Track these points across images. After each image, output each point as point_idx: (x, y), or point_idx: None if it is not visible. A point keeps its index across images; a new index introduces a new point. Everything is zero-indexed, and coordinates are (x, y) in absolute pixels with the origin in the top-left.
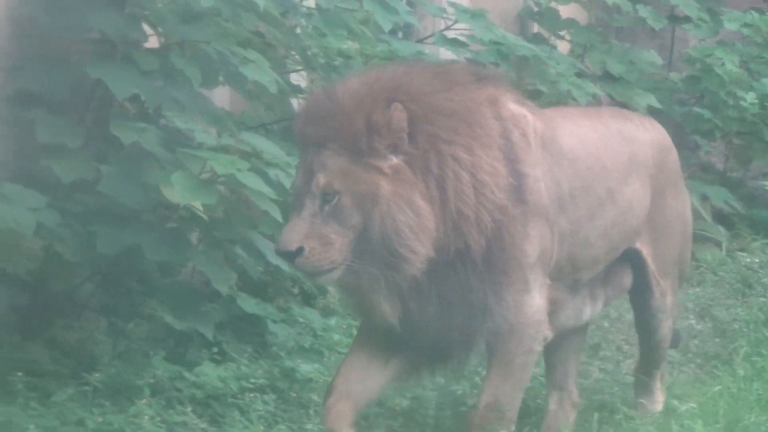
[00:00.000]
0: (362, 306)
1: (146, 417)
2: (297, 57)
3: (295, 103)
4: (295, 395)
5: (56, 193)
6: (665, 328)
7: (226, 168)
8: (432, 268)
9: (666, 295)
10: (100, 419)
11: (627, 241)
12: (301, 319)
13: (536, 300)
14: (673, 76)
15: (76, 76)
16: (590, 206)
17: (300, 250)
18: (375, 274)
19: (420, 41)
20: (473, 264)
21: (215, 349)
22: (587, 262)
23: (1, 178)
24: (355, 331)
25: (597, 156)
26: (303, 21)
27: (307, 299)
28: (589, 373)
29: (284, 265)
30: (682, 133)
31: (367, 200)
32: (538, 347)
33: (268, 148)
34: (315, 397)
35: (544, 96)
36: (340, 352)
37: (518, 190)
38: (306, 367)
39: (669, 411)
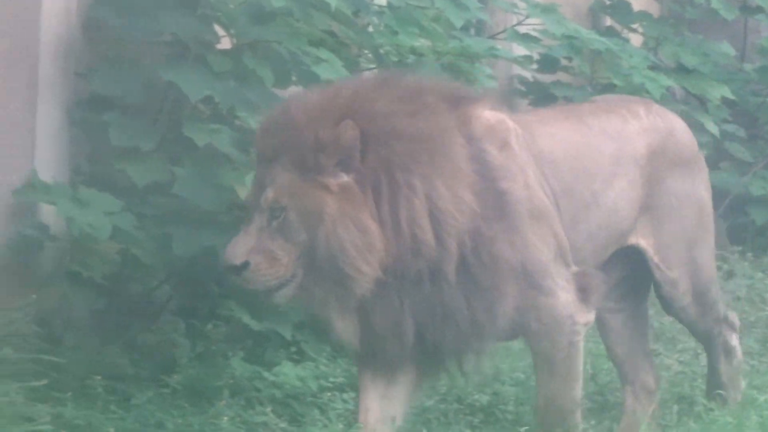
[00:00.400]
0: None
1: (226, 418)
2: (369, 55)
3: None
4: None
5: (131, 197)
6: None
7: None
8: (402, 287)
9: (678, 285)
10: (179, 421)
11: (617, 242)
12: None
13: (561, 298)
14: (747, 67)
15: (149, 78)
16: (574, 211)
17: (245, 265)
18: (325, 292)
19: (492, 37)
20: (448, 283)
21: (293, 349)
22: (575, 264)
23: (77, 182)
24: None
25: (578, 158)
26: (375, 19)
27: None
28: (668, 366)
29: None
30: (756, 123)
31: (313, 217)
32: (578, 337)
33: None
34: None
35: (618, 89)
36: None
37: (498, 207)
38: None
39: (748, 402)
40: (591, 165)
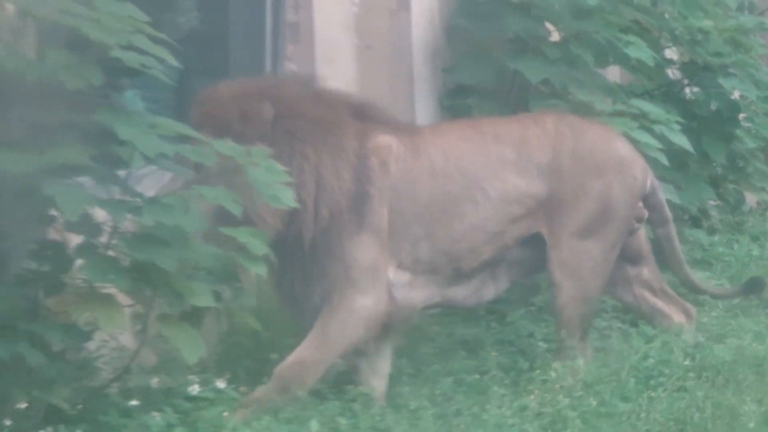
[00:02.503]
0: None
1: None
2: (667, 36)
3: (670, 72)
4: (692, 298)
5: None
6: (566, 293)
7: (621, 128)
8: (284, 244)
9: (564, 268)
10: (545, 330)
11: (517, 227)
12: (690, 238)
13: (361, 301)
14: None
15: (499, 69)
16: (454, 209)
17: None
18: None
19: (760, 14)
20: (302, 252)
21: None
22: (463, 254)
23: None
24: None
25: (462, 162)
26: (669, 7)
27: (696, 222)
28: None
29: None
30: None
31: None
32: (356, 339)
33: (652, 109)
34: (708, 298)
35: None
36: (725, 260)
37: (360, 205)
38: (699, 275)
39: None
40: (477, 167)
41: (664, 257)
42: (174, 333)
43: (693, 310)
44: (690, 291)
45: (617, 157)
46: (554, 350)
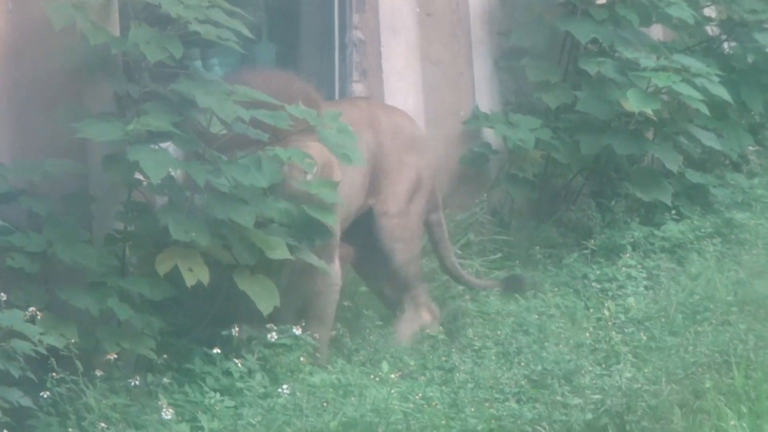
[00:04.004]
0: None
1: (630, 266)
2: None
3: (709, 29)
4: (734, 237)
5: (547, 116)
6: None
7: (664, 81)
8: None
9: (394, 231)
10: (598, 272)
11: (357, 203)
12: (732, 182)
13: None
14: None
15: (551, 31)
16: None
17: None
18: None
19: None
20: None
21: (674, 212)
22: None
23: (507, 110)
24: None
25: None
26: None
27: (737, 167)
28: None
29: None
30: None
31: None
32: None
33: (693, 64)
34: (748, 237)
35: None
36: (764, 202)
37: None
38: (740, 216)
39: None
40: None
41: (432, 243)
42: (249, 285)
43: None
44: (452, 279)
45: (419, 135)
46: (398, 312)
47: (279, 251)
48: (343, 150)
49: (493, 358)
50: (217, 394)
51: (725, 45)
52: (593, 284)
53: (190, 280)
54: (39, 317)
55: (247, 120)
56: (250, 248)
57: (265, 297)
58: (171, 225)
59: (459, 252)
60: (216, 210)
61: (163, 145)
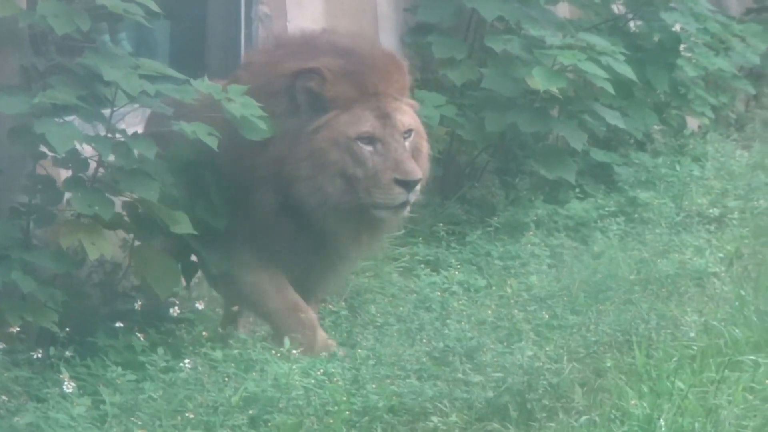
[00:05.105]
0: None
1: (533, 244)
2: None
3: (615, 8)
4: (637, 216)
5: (452, 93)
6: None
7: (570, 60)
8: None
9: None
10: (501, 249)
11: None
12: (636, 161)
13: None
14: None
15: (457, 7)
16: None
17: (419, 180)
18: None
19: None
20: None
21: (578, 190)
22: None
23: (413, 86)
24: None
25: None
26: None
27: (641, 146)
28: None
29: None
30: None
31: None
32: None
33: (599, 42)
34: (652, 216)
35: None
36: (668, 181)
37: None
38: (644, 195)
39: None
40: None
41: None
42: (149, 267)
43: None
44: None
45: None
46: None
47: (182, 225)
48: (248, 123)
49: (395, 334)
50: (119, 368)
51: (631, 24)
52: (496, 261)
53: (92, 254)
54: None
55: (152, 93)
56: (155, 223)
57: (164, 279)
58: (75, 199)
59: None
60: (121, 184)
61: (68, 118)
